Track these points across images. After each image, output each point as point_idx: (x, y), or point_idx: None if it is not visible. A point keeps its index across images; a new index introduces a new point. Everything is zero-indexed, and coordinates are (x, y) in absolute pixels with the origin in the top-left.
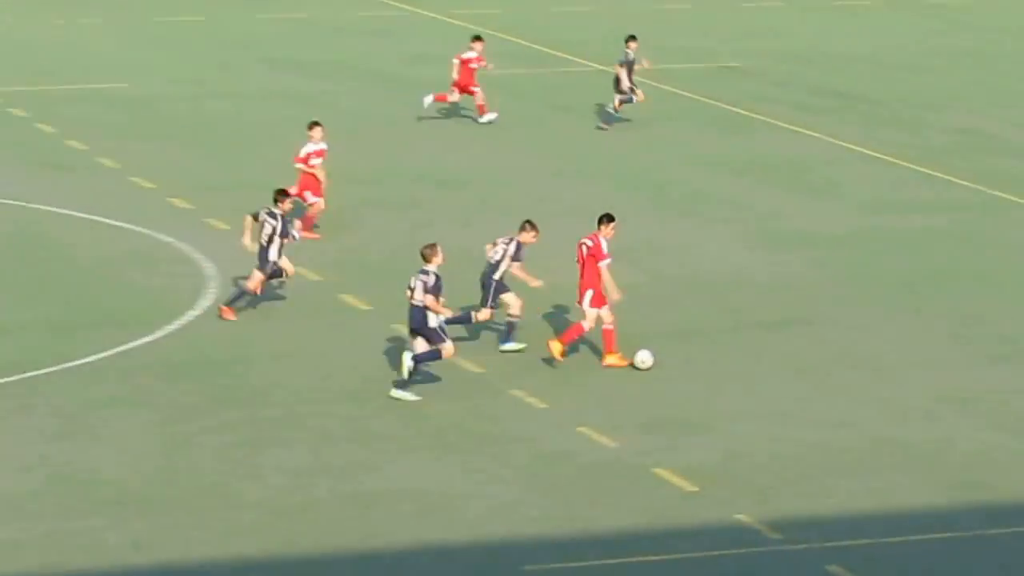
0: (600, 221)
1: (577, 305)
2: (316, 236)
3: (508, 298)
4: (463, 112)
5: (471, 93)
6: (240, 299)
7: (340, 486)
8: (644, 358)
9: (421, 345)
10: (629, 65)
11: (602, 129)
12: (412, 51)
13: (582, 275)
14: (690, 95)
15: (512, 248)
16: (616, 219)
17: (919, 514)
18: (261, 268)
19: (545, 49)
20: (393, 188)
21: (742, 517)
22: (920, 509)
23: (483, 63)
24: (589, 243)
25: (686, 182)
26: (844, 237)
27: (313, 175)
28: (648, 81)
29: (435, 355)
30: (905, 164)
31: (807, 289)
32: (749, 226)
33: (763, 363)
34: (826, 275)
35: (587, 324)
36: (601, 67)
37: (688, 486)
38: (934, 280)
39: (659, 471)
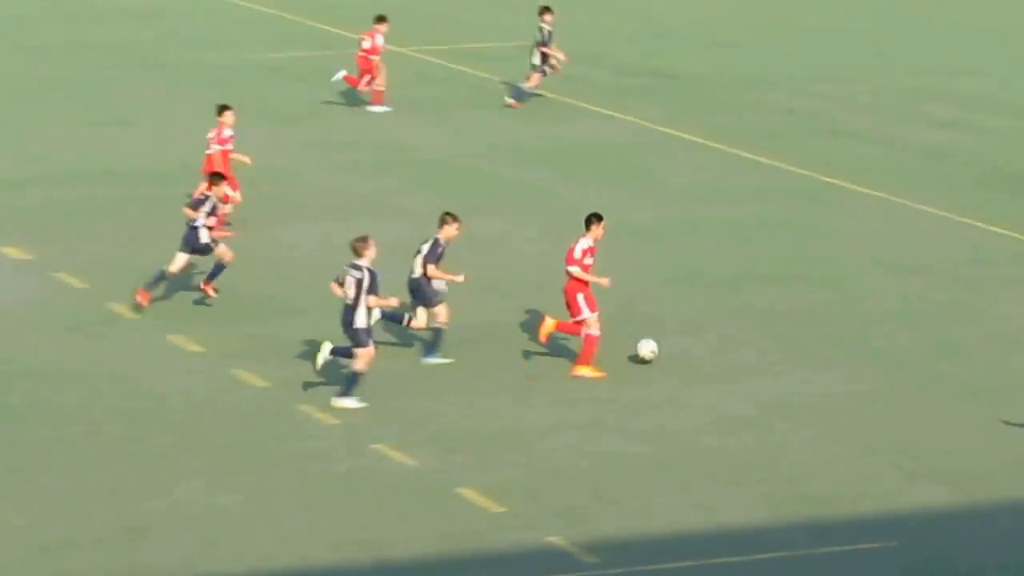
0: (588, 222)
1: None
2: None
3: (438, 308)
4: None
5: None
6: (218, 275)
7: (111, 514)
8: (653, 348)
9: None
10: (544, 39)
11: (511, 107)
12: (190, 35)
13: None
14: (486, 76)
15: (427, 248)
16: (604, 219)
17: (746, 532)
18: (213, 247)
19: (333, 29)
20: (168, 185)
21: (554, 539)
22: (747, 526)
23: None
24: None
25: (485, 172)
26: (660, 230)
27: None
28: (440, 62)
29: (348, 354)
30: (726, 148)
31: (621, 288)
32: (555, 219)
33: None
34: (641, 272)
35: (594, 330)
36: (396, 48)
37: (494, 506)
38: (759, 276)
39: (462, 490)
